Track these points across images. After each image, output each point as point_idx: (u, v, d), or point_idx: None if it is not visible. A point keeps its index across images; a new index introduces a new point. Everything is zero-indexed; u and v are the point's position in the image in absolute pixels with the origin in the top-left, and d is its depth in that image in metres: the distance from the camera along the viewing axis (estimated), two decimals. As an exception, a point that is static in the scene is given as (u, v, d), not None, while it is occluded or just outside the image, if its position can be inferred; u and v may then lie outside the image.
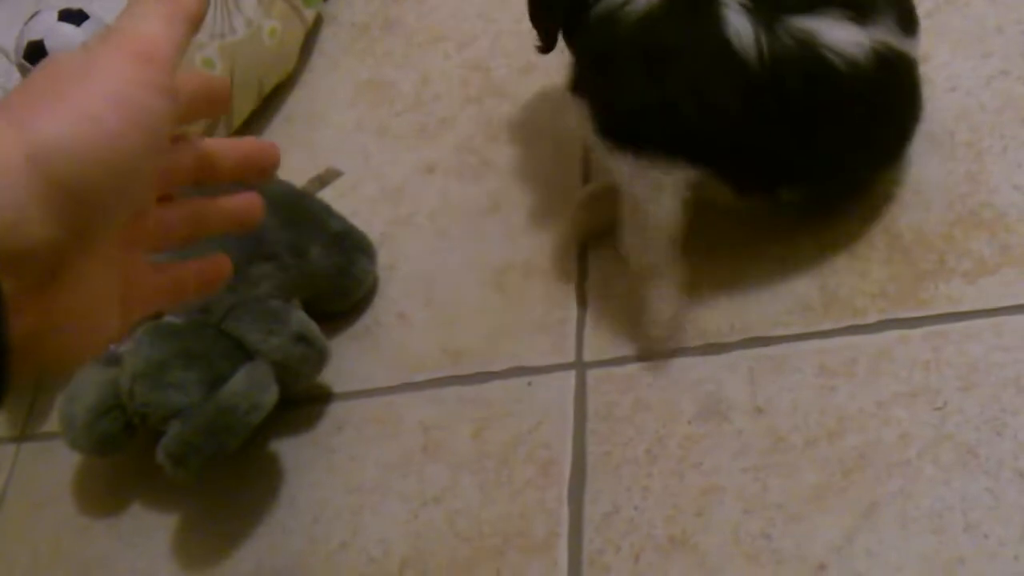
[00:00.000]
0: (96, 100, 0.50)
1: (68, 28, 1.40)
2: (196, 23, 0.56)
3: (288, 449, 1.16)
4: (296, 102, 1.49)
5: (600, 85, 0.99)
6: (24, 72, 1.44)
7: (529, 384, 1.10)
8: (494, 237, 1.21)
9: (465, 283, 1.19)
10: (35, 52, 1.39)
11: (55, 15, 1.41)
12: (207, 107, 0.60)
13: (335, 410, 1.16)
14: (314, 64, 1.53)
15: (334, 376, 1.17)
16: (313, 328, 1.13)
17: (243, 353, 1.09)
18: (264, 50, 1.43)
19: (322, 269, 1.17)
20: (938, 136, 1.05)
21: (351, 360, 1.19)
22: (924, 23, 1.03)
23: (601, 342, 1.09)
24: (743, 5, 0.91)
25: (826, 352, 0.98)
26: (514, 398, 1.09)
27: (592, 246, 1.16)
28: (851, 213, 1.04)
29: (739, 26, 0.90)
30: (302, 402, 1.17)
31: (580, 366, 1.09)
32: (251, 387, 1.06)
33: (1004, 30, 1.09)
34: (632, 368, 1.06)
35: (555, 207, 1.21)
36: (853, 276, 1.01)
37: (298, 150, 1.41)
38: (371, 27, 1.53)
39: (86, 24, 1.41)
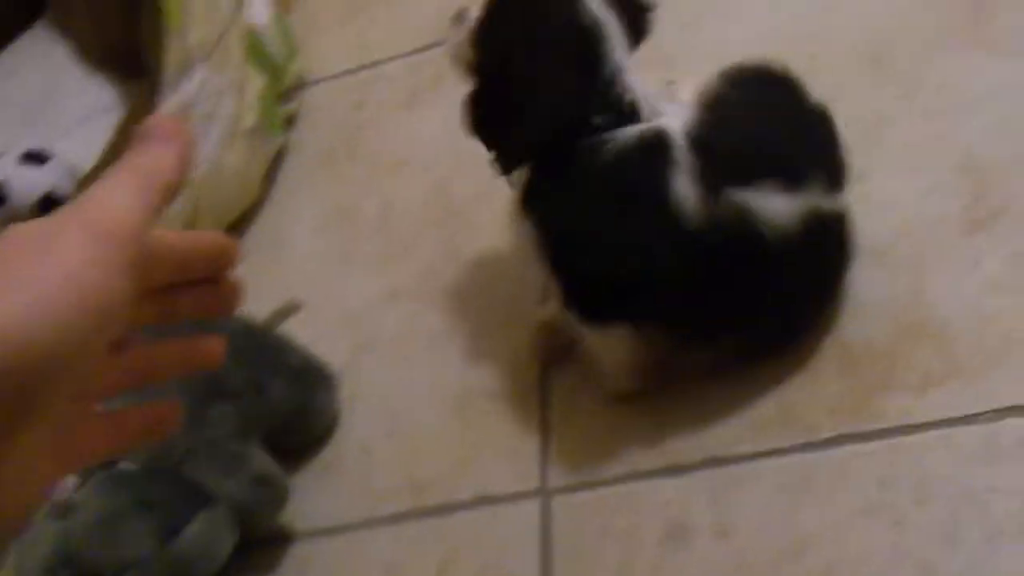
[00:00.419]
0: (51, 283, 0.51)
1: (30, 170, 1.45)
2: (173, 193, 0.55)
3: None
4: (258, 233, 1.53)
5: (554, 241, 1.04)
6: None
7: (494, 514, 1.12)
8: (456, 363, 1.24)
9: (427, 412, 1.22)
10: (-2, 195, 1.43)
11: (16, 156, 1.46)
12: (212, 266, 0.60)
13: (298, 550, 1.17)
14: (279, 192, 1.57)
15: (296, 514, 1.18)
16: (273, 469, 1.14)
17: (201, 497, 1.09)
18: (225, 183, 1.47)
19: (282, 405, 1.19)
20: (880, 253, 1.09)
21: (314, 496, 1.20)
22: (862, 144, 1.09)
23: (565, 467, 1.12)
24: (693, 168, 0.96)
25: (785, 469, 1.01)
26: (479, 529, 1.11)
27: (553, 369, 1.18)
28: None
29: (685, 192, 0.96)
30: (264, 543, 1.18)
31: (545, 493, 1.11)
32: (207, 536, 1.07)
33: (938, 146, 1.14)
34: (597, 493, 1.08)
35: (516, 331, 1.24)
36: (807, 392, 1.04)
37: (261, 280, 1.44)
38: (334, 154, 1.58)
39: (49, 165, 1.46)
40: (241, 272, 1.55)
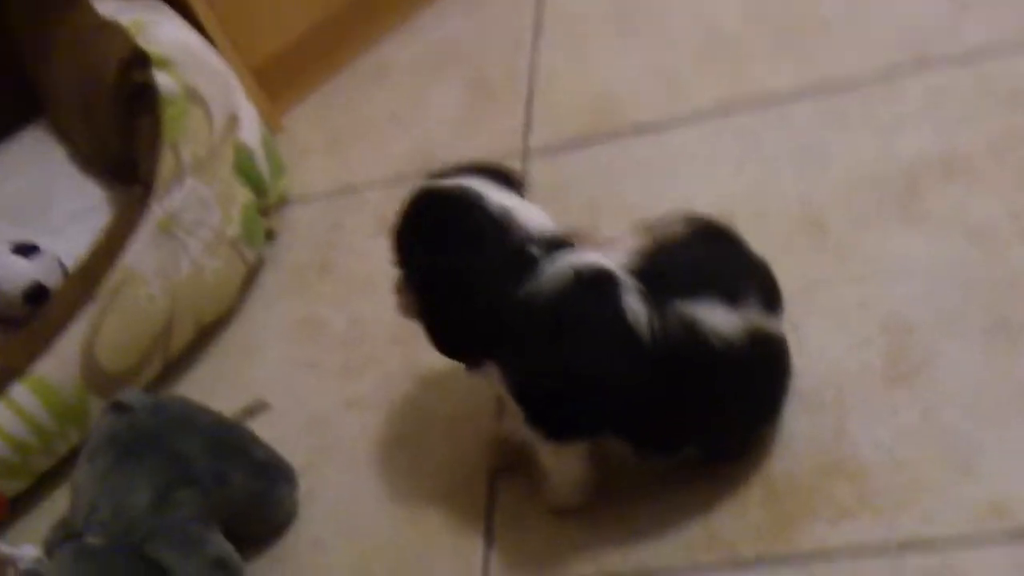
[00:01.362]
0: None
1: (19, 261, 1.56)
2: None
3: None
4: (232, 336, 1.65)
5: (512, 362, 1.15)
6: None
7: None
8: (409, 469, 1.36)
9: (379, 514, 1.33)
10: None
11: (7, 247, 1.57)
12: None
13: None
14: (253, 301, 1.70)
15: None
16: (231, 553, 1.24)
17: (159, 575, 1.18)
18: (205, 288, 1.60)
19: (243, 496, 1.29)
20: (808, 396, 1.24)
21: (269, 584, 1.30)
22: (798, 299, 1.25)
23: (507, 573, 1.23)
24: (639, 290, 1.10)
25: (709, 586, 1.14)
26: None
27: (501, 480, 1.30)
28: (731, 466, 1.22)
29: (636, 309, 1.09)
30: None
31: (486, 597, 1.22)
32: None
33: (866, 307, 1.30)
34: (535, 597, 1.20)
35: (469, 442, 1.36)
36: (733, 517, 1.18)
37: (231, 382, 1.56)
38: (309, 269, 1.71)
39: (36, 257, 1.57)
40: (214, 373, 1.69)
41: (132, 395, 1.31)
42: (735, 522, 1.17)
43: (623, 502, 1.23)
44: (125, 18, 1.63)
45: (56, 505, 1.51)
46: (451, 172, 1.20)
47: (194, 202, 1.58)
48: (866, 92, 1.55)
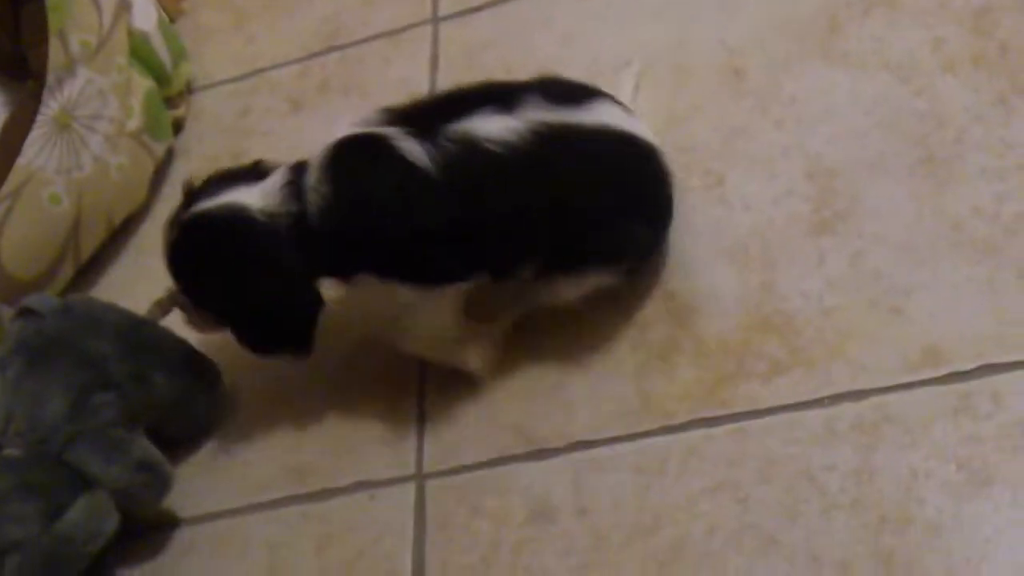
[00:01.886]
0: None
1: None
2: None
3: (135, 577, 1.19)
4: (146, 233, 1.54)
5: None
6: None
7: (371, 498, 1.16)
8: (339, 362, 1.28)
9: (309, 401, 1.25)
10: None
11: None
12: None
13: (181, 535, 1.20)
14: (165, 196, 1.58)
15: (180, 501, 1.21)
16: (155, 455, 1.17)
17: (84, 483, 1.11)
18: (112, 184, 1.48)
19: (166, 396, 1.21)
20: (734, 250, 1.17)
21: (197, 484, 1.23)
22: (720, 150, 1.18)
23: (440, 453, 1.16)
24: (407, 133, 1.05)
25: (642, 452, 1.08)
26: (357, 513, 1.15)
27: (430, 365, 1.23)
28: (661, 320, 1.15)
29: (412, 150, 1.04)
30: (148, 530, 1.20)
31: (420, 478, 1.15)
32: (89, 517, 1.09)
33: (789, 153, 1.22)
34: (468, 476, 1.13)
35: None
36: (664, 380, 1.11)
37: (150, 279, 1.44)
38: (222, 159, 1.58)
39: None
40: (131, 273, 1.59)
41: (38, 299, 1.22)
42: (666, 386, 1.10)
43: (552, 374, 1.16)
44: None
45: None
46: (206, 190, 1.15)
47: (91, 94, 1.45)
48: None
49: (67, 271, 1.47)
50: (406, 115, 1.09)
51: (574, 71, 1.24)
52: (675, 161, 1.25)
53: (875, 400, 1.02)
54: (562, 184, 1.08)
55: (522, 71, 1.42)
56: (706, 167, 1.24)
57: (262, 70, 1.69)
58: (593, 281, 1.14)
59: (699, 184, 1.23)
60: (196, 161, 1.61)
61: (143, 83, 1.55)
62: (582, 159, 1.09)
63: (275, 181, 1.10)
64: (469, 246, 1.08)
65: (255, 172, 1.15)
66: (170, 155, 1.62)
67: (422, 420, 1.20)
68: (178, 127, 1.65)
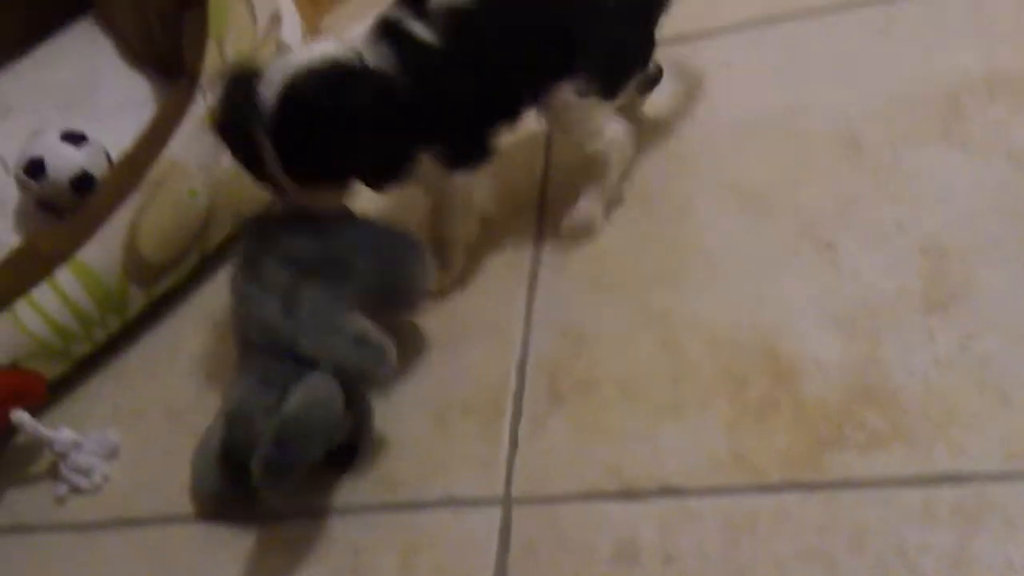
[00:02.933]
0: None
1: (68, 148, 1.42)
2: None
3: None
4: (269, 232, 1.50)
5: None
6: (21, 185, 1.44)
7: (457, 515, 1.09)
8: (437, 375, 1.22)
9: (403, 415, 1.19)
10: (35, 168, 1.40)
11: (57, 135, 1.42)
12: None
13: (266, 533, 1.15)
14: (288, 198, 1.54)
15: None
16: (371, 330, 1.11)
17: (311, 369, 1.08)
18: (244, 185, 1.43)
19: (370, 271, 1.15)
20: (842, 319, 1.08)
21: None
22: (834, 218, 1.11)
23: (529, 480, 1.09)
24: (413, 13, 1.12)
25: (733, 507, 0.99)
26: (442, 527, 1.09)
27: (527, 389, 1.16)
28: (761, 379, 1.07)
29: (416, 28, 1.11)
30: (236, 524, 1.16)
31: (507, 501, 1.08)
32: (309, 397, 1.04)
33: (904, 228, 1.14)
34: (556, 507, 1.06)
35: (495, 345, 1.22)
36: (759, 438, 1.03)
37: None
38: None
39: (85, 146, 1.43)
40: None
41: (247, 220, 1.25)
42: (762, 445, 1.02)
43: (647, 418, 1.08)
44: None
45: (92, 390, 1.39)
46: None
47: (234, 99, 1.41)
48: (910, 7, 1.35)
49: (193, 259, 1.44)
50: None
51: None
52: (787, 226, 1.18)
53: (976, 486, 0.93)
54: (515, 11, 1.14)
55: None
56: (818, 233, 1.16)
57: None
58: (564, 103, 1.18)
59: (811, 249, 1.15)
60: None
61: (283, 92, 1.51)
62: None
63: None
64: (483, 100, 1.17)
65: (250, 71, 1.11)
66: (299, 161, 1.58)
67: (514, 445, 1.13)
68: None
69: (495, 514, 1.08)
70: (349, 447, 1.14)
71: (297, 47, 1.55)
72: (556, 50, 1.16)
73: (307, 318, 1.10)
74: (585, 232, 1.28)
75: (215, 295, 1.44)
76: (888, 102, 1.26)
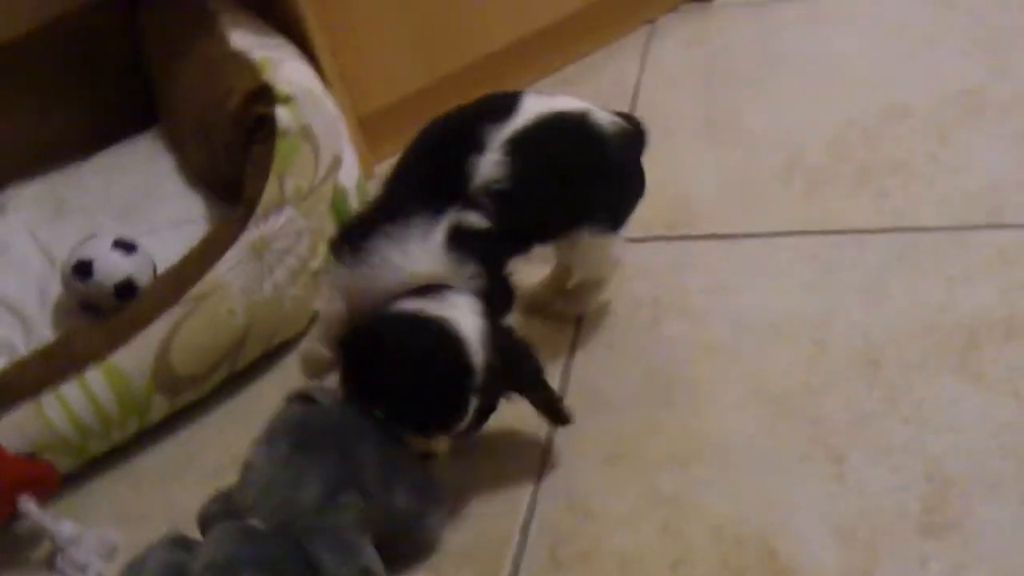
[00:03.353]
0: None
1: (117, 255, 1.50)
2: None
3: None
4: (295, 359, 1.57)
5: None
6: (66, 283, 1.52)
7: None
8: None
9: (407, 561, 1.23)
10: (83, 269, 1.48)
11: (110, 241, 1.51)
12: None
13: None
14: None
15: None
16: (379, 566, 1.14)
17: (311, 572, 1.10)
18: (282, 312, 1.53)
19: (400, 514, 1.20)
20: (842, 528, 1.14)
21: None
22: (846, 430, 1.18)
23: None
24: (462, 209, 1.24)
25: None
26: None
27: (528, 554, 1.21)
28: (757, 574, 1.13)
29: (473, 220, 1.24)
30: None
31: None
32: None
33: (910, 451, 1.20)
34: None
35: (502, 504, 1.28)
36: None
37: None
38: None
39: (134, 255, 1.51)
40: (276, 388, 1.60)
41: (318, 390, 1.25)
42: (753, 643, 1.07)
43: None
44: (256, 54, 1.59)
45: (101, 488, 1.45)
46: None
47: (289, 231, 1.51)
48: (938, 240, 1.46)
49: (221, 375, 1.51)
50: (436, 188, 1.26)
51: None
52: (801, 431, 1.25)
53: None
54: (534, 182, 1.28)
55: (667, 306, 1.47)
56: (830, 443, 1.23)
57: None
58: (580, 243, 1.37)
59: (820, 457, 1.22)
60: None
61: (332, 231, 1.61)
62: (536, 153, 1.29)
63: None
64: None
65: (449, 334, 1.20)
66: (334, 297, 1.67)
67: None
68: (347, 274, 1.71)
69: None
70: None
71: (351, 192, 1.66)
72: (578, 209, 1.36)
73: (335, 524, 1.13)
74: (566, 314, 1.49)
75: (236, 413, 1.51)
76: (909, 327, 1.35)
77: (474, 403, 1.17)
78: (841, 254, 1.48)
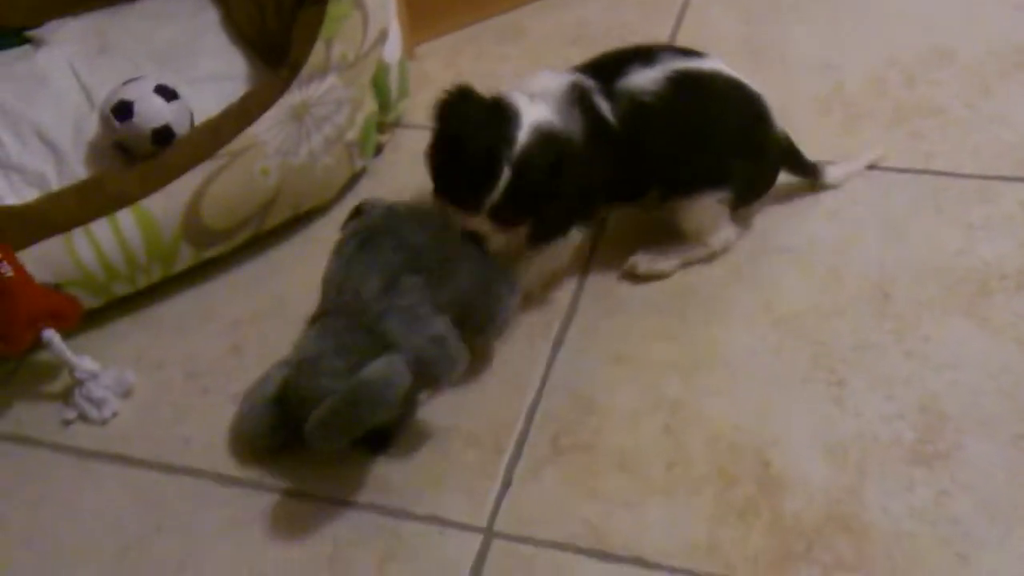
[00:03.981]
0: None
1: (159, 100, 1.51)
2: None
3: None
4: (319, 229, 1.61)
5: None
6: (104, 122, 1.54)
7: (441, 534, 1.20)
8: (447, 403, 1.33)
9: (416, 432, 1.30)
10: (123, 110, 1.50)
11: (152, 85, 1.53)
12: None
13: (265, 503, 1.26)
14: (346, 203, 1.65)
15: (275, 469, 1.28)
16: (451, 334, 1.23)
17: (389, 347, 1.19)
18: (313, 178, 1.57)
19: (467, 288, 1.27)
20: (835, 448, 1.20)
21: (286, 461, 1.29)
22: (850, 356, 1.23)
23: (514, 519, 1.20)
24: (600, 89, 1.32)
25: (694, 593, 1.11)
26: (425, 541, 1.19)
27: (531, 438, 1.28)
28: (749, 483, 1.18)
29: (603, 106, 1.31)
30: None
31: (488, 533, 1.19)
32: (387, 370, 1.15)
33: (911, 383, 1.26)
34: (532, 550, 1.17)
35: (511, 390, 1.34)
36: (736, 536, 1.15)
37: (309, 268, 1.50)
38: (404, 191, 1.66)
39: (175, 103, 1.53)
40: (295, 256, 1.64)
41: (373, 200, 1.36)
42: (738, 543, 1.13)
43: (636, 489, 1.20)
44: (315, -85, 1.59)
45: (120, 330, 1.50)
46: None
47: (330, 99, 1.54)
48: (964, 187, 1.50)
49: (246, 234, 1.55)
50: (591, 71, 1.35)
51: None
52: (806, 352, 1.31)
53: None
54: (689, 121, 1.34)
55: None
56: (833, 367, 1.29)
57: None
58: (702, 203, 1.39)
59: (822, 379, 1.28)
60: (383, 184, 1.69)
61: (370, 105, 1.64)
62: (704, 100, 1.36)
63: (538, 110, 1.28)
64: (625, 182, 1.36)
65: (502, 106, 1.29)
66: (364, 171, 1.71)
67: (507, 483, 1.24)
68: (378, 151, 1.74)
69: (474, 542, 1.18)
70: (382, 433, 1.26)
71: (393, 69, 1.68)
72: (714, 170, 1.38)
73: (402, 304, 1.22)
74: (650, 275, 1.45)
75: (257, 272, 1.56)
76: (924, 266, 1.40)
77: (506, 175, 1.23)
78: (868, 189, 1.52)
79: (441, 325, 1.23)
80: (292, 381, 1.24)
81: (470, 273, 1.28)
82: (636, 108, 1.31)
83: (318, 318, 1.28)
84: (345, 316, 1.24)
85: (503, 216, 1.28)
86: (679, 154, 1.35)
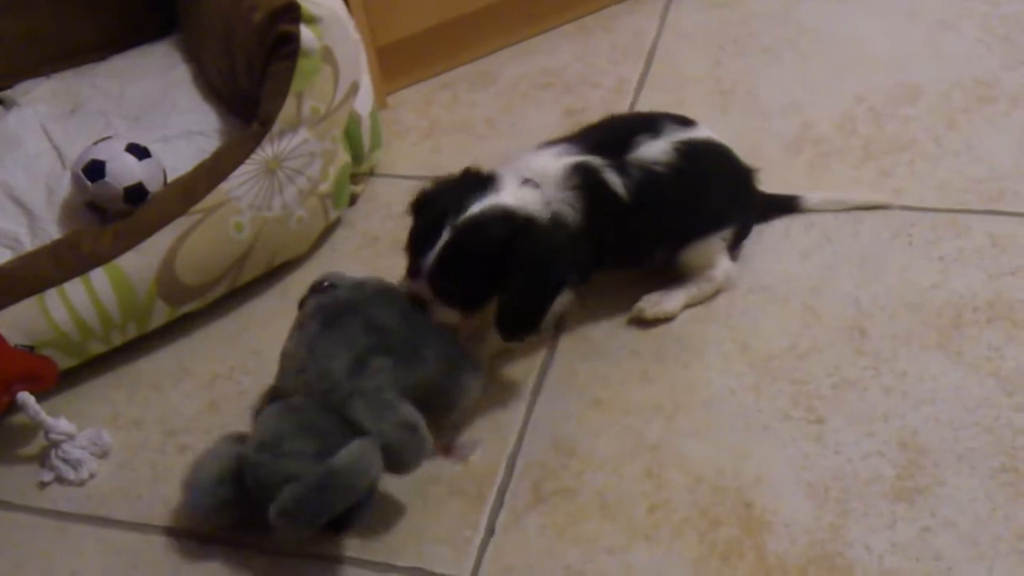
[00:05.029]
0: None
1: (130, 159, 1.53)
2: None
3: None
4: (295, 281, 1.63)
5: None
6: (76, 182, 1.55)
7: (424, 586, 1.20)
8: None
9: (398, 484, 1.29)
10: (95, 170, 1.51)
11: (123, 144, 1.55)
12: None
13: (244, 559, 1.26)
14: (322, 255, 1.67)
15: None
16: (418, 419, 1.22)
17: (355, 433, 1.18)
18: (288, 232, 1.58)
19: (433, 373, 1.27)
20: (816, 486, 1.21)
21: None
22: (829, 394, 1.25)
23: (498, 569, 1.20)
24: (609, 165, 1.35)
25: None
26: (408, 594, 1.19)
27: (514, 483, 1.28)
28: (732, 524, 1.19)
29: (614, 180, 1.35)
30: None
31: (473, 584, 1.20)
32: (360, 457, 1.15)
33: (889, 419, 1.28)
34: (516, 600, 1.17)
35: (491, 438, 1.35)
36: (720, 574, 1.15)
37: (287, 320, 1.52)
38: (379, 241, 1.69)
39: (147, 161, 1.54)
40: (272, 309, 1.65)
41: (336, 275, 1.35)
42: (722, 583, 1.15)
43: (620, 536, 1.21)
44: (285, -29, 1.62)
45: (96, 390, 1.51)
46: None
47: (302, 152, 1.56)
48: (935, 221, 1.52)
49: (222, 289, 1.56)
50: (596, 147, 1.38)
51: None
52: (785, 391, 1.32)
53: (908, 666, 1.05)
54: (696, 184, 1.40)
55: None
56: (811, 404, 1.30)
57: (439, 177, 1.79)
58: (705, 242, 1.45)
59: (801, 417, 1.29)
60: (358, 235, 1.71)
61: (343, 157, 1.66)
62: (705, 164, 1.43)
63: (519, 192, 1.30)
64: (630, 249, 1.42)
65: (482, 181, 1.32)
66: (338, 222, 1.72)
67: (491, 532, 1.24)
68: (352, 201, 1.76)
69: (458, 594, 1.19)
70: (344, 515, 1.21)
71: (365, 120, 1.70)
72: (716, 218, 1.46)
73: (370, 387, 1.21)
74: (657, 318, 1.47)
75: (233, 327, 1.57)
76: (899, 302, 1.42)
77: (445, 238, 1.25)
78: (839, 226, 1.55)
79: (409, 410, 1.22)
80: (251, 460, 1.21)
81: (436, 357, 1.27)
82: (649, 178, 1.36)
83: (276, 396, 1.27)
84: (310, 396, 1.23)
85: (444, 285, 1.28)
86: (687, 214, 1.42)
